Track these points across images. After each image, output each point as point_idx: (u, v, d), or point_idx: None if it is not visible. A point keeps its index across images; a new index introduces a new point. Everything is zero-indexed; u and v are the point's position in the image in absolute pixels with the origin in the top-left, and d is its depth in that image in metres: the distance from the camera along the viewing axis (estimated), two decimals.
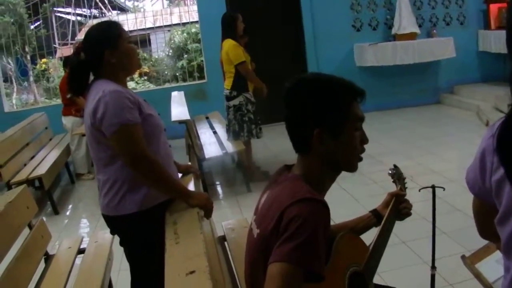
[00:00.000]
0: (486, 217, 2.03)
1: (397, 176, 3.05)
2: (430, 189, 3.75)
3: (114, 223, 3.56)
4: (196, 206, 3.43)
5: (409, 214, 2.89)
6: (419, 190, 3.80)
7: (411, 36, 12.72)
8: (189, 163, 4.44)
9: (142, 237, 3.46)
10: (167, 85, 14.16)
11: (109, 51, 3.38)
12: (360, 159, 2.47)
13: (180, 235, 3.02)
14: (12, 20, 14.74)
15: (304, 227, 2.08)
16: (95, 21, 10.97)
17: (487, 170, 1.86)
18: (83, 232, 7.25)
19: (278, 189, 2.37)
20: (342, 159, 2.42)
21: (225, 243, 4.31)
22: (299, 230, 2.08)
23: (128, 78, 3.79)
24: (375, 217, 2.92)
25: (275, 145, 10.14)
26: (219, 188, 8.68)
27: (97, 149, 3.43)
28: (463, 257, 3.44)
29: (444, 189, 3.78)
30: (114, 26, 3.52)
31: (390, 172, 3.08)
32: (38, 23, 16.17)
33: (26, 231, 4.34)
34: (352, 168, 2.47)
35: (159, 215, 3.38)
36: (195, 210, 3.37)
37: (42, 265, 4.47)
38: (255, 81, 8.16)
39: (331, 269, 2.28)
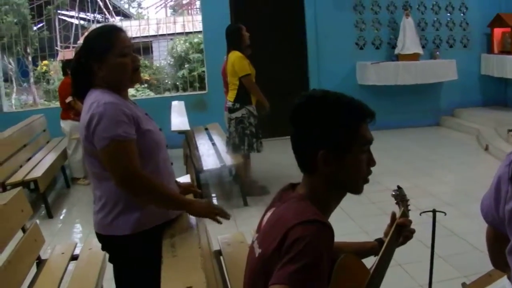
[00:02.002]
0: (498, 247, 1.99)
1: (401, 197, 2.99)
2: (428, 212, 3.72)
3: (106, 242, 3.40)
4: (197, 215, 3.37)
5: (409, 238, 2.84)
6: (420, 214, 3.76)
7: (414, 56, 12.72)
8: (190, 182, 4.30)
9: (134, 259, 3.31)
10: (167, 94, 14.18)
11: (95, 64, 3.19)
12: (366, 182, 2.41)
13: (177, 249, 2.96)
14: (15, 20, 14.72)
15: (308, 250, 2.02)
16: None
17: (502, 199, 1.83)
18: (76, 238, 7.21)
19: (283, 208, 2.31)
20: (348, 181, 2.36)
21: (221, 257, 4.27)
22: (303, 252, 2.01)
23: None
24: (379, 245, 2.85)
25: (275, 160, 10.07)
26: (215, 201, 8.59)
27: (92, 164, 3.24)
28: (463, 284, 3.41)
29: (445, 214, 3.75)
30: (106, 36, 3.24)
31: (393, 193, 3.02)
32: (41, 24, 16.19)
33: (19, 234, 4.30)
34: (357, 190, 2.41)
35: (155, 237, 3.23)
36: (194, 228, 3.30)
37: (34, 269, 4.42)
38: (258, 95, 8.12)
39: None
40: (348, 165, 2.30)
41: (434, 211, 3.73)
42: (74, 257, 4.72)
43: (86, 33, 3.48)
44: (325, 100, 2.34)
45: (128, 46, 3.27)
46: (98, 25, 11.78)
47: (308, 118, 2.32)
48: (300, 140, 2.37)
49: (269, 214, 2.43)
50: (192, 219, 3.40)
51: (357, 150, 2.31)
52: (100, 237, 3.37)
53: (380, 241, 2.86)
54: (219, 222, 3.44)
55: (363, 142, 2.32)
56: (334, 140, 2.26)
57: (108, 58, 3.17)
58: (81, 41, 13.68)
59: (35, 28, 16.25)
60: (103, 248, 3.51)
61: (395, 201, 2.97)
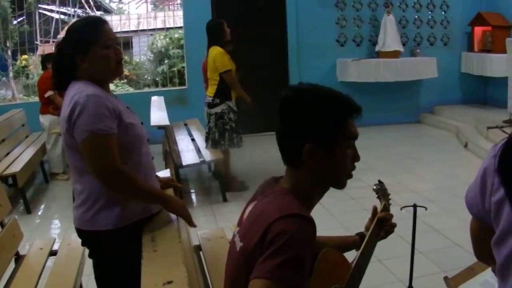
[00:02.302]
0: (483, 239, 1.99)
1: (382, 192, 2.98)
2: (408, 208, 3.72)
3: (86, 237, 3.35)
4: (173, 212, 3.33)
5: (391, 232, 2.83)
6: (401, 209, 3.77)
7: (395, 54, 12.78)
8: (170, 176, 4.26)
9: (115, 255, 3.26)
10: (146, 90, 14.12)
11: (79, 56, 3.14)
12: (350, 177, 2.40)
13: (158, 243, 2.94)
14: None
15: (290, 244, 1.99)
16: None
17: (487, 191, 1.83)
18: (55, 234, 7.14)
19: (265, 202, 2.29)
20: (332, 176, 2.34)
21: (201, 252, 4.25)
22: (285, 246, 1.99)
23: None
24: (360, 239, 2.84)
25: (254, 156, 10.13)
26: (194, 196, 8.60)
27: (73, 157, 3.19)
28: (445, 278, 3.40)
29: (426, 208, 3.76)
30: (91, 28, 3.19)
31: (374, 187, 3.01)
32: (22, 18, 16.07)
33: None
34: (341, 185, 2.40)
35: (136, 232, 3.19)
36: (174, 223, 3.28)
37: (12, 265, 4.38)
38: (239, 90, 8.12)
39: (313, 287, 2.21)
40: (334, 159, 2.29)
41: (414, 206, 3.74)
42: (52, 253, 4.68)
43: (69, 25, 3.41)
44: (314, 93, 2.32)
45: (112, 38, 3.23)
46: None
47: (296, 110, 2.30)
48: (287, 133, 2.34)
49: (250, 207, 2.41)
50: (172, 214, 3.37)
51: (343, 144, 2.30)
52: (80, 232, 3.33)
53: (361, 235, 2.86)
54: (193, 225, 3.41)
55: (350, 137, 2.31)
56: (322, 133, 2.24)
57: (93, 50, 3.13)
58: (61, 35, 13.62)
59: (15, 22, 16.15)
60: (83, 244, 3.47)
61: (376, 196, 2.96)
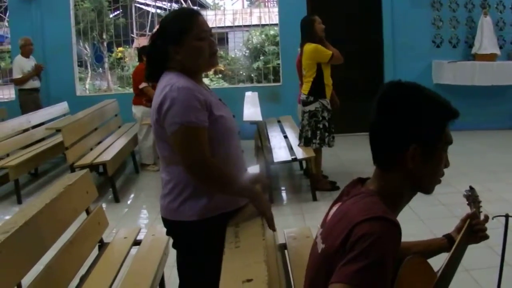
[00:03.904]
0: None
1: (473, 198, 2.89)
2: (499, 218, 3.60)
3: (171, 227, 3.37)
4: (259, 209, 3.24)
5: (486, 237, 2.74)
6: (492, 218, 3.64)
7: (491, 57, 12.42)
8: (259, 172, 4.19)
9: (198, 246, 3.25)
10: (241, 85, 14.19)
11: (173, 47, 3.15)
12: (439, 182, 2.33)
13: (241, 239, 2.90)
14: (92, 7, 14.90)
15: (373, 248, 1.92)
16: None
17: None
18: (142, 223, 7.25)
19: (349, 203, 2.21)
20: (426, 180, 2.27)
21: (285, 251, 4.21)
22: (367, 250, 1.91)
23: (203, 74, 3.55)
24: (448, 242, 2.75)
25: (345, 156, 10.07)
26: (284, 194, 8.57)
27: (162, 147, 3.24)
28: None
29: None
30: (184, 19, 3.20)
31: (465, 193, 2.92)
32: (118, 12, 16.37)
33: (83, 215, 4.32)
34: (431, 190, 2.31)
35: (221, 225, 3.15)
36: (259, 218, 3.20)
37: (95, 252, 4.44)
38: (339, 57, 8.04)
39: None
40: (432, 163, 2.22)
41: (507, 216, 3.62)
42: (137, 242, 4.73)
43: (162, 18, 3.41)
44: (419, 92, 2.24)
45: (205, 30, 3.21)
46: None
47: (400, 109, 2.21)
48: (387, 130, 2.24)
49: (334, 208, 2.34)
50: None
51: (441, 149, 2.23)
52: (166, 222, 3.35)
53: (449, 237, 2.77)
54: (273, 228, 3.34)
55: (447, 141, 2.24)
56: (428, 135, 2.18)
57: (186, 41, 3.13)
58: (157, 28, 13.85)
59: (111, 15, 16.45)
60: (167, 233, 3.49)
61: (467, 202, 2.87)
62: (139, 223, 7.27)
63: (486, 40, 12.35)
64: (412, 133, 2.16)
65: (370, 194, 2.21)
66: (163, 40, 3.18)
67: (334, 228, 2.15)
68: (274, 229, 3.35)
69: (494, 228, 2.98)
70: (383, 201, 2.16)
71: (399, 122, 2.19)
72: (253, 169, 4.14)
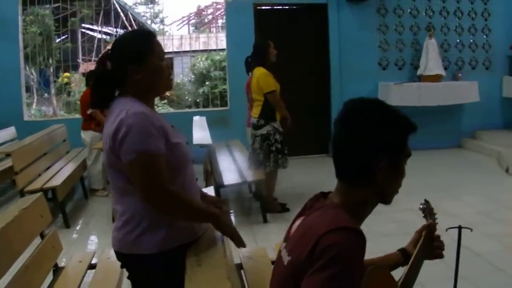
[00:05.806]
0: None
1: (428, 210, 2.96)
2: (451, 231, 3.66)
3: (126, 261, 3.20)
4: (222, 231, 3.20)
5: (441, 256, 2.79)
6: (446, 230, 3.70)
7: (437, 78, 12.71)
8: (217, 197, 4.12)
9: (156, 279, 3.12)
10: (187, 110, 14.17)
11: (133, 66, 3.02)
12: (397, 193, 2.39)
13: (202, 258, 2.88)
14: (39, 31, 14.80)
15: (340, 257, 1.96)
16: None
17: None
18: (92, 249, 7.12)
19: (314, 216, 2.25)
20: (390, 191, 2.34)
21: (242, 271, 4.21)
22: (335, 259, 1.95)
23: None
24: (403, 256, 2.81)
25: (295, 178, 10.15)
26: (233, 217, 8.52)
27: (115, 177, 3.05)
28: None
29: (471, 230, 3.70)
30: (146, 38, 3.12)
31: (421, 206, 2.99)
32: (65, 36, 16.28)
33: (37, 240, 4.24)
34: (391, 201, 2.38)
35: (180, 256, 3.03)
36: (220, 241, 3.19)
37: (50, 276, 4.38)
38: (283, 111, 8.06)
39: None
40: (396, 175, 2.30)
41: (460, 228, 3.69)
42: (92, 266, 4.67)
43: (116, 38, 3.34)
44: (385, 107, 2.32)
45: (163, 51, 3.19)
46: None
47: (367, 124, 2.26)
48: (354, 145, 2.28)
49: (298, 222, 2.37)
50: (217, 232, 3.26)
51: (403, 161, 2.33)
52: (120, 255, 3.19)
53: (403, 251, 2.83)
54: (243, 245, 3.25)
55: (408, 154, 2.34)
56: (394, 148, 2.26)
57: (149, 60, 3.05)
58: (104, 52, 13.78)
59: (58, 39, 16.34)
60: (122, 266, 3.32)
61: (423, 214, 2.93)
62: (90, 249, 7.15)
63: (431, 61, 12.65)
64: (380, 146, 2.22)
65: (334, 206, 2.25)
66: (120, 60, 3.07)
67: (300, 240, 2.17)
68: (243, 246, 3.25)
69: (446, 243, 3.03)
70: (347, 213, 2.20)
71: (366, 136, 2.24)
72: (208, 191, 4.12)
